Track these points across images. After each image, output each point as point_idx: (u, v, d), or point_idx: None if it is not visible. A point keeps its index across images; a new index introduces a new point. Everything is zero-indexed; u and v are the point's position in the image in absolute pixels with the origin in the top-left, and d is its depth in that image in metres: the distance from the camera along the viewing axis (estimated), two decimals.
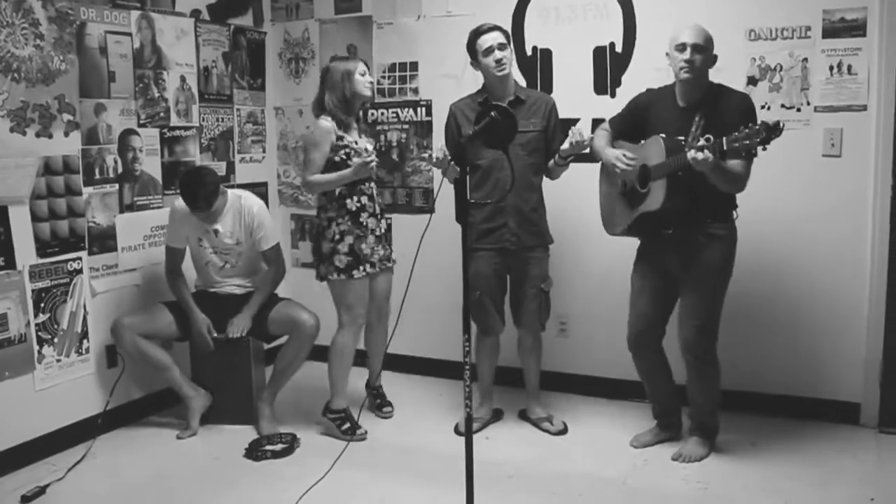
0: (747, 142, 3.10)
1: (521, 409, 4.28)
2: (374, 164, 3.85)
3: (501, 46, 3.79)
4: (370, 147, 3.99)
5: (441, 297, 4.69)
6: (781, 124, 3.05)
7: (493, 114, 2.77)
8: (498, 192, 3.85)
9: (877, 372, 3.99)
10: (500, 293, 4.05)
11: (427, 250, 4.33)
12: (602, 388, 4.53)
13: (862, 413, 4.04)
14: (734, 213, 3.57)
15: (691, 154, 3.20)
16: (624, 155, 3.58)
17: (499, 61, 3.79)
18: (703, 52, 3.42)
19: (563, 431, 4.09)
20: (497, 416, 4.26)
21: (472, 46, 3.87)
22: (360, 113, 4.09)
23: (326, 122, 3.90)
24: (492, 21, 3.90)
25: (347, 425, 4.07)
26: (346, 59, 4.01)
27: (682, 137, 3.43)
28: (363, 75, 3.95)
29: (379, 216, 4.10)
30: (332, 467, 3.46)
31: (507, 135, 2.79)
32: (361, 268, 3.99)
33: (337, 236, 3.96)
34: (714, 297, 3.58)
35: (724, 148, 3.18)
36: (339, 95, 3.92)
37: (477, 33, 3.84)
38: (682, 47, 3.43)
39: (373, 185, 4.08)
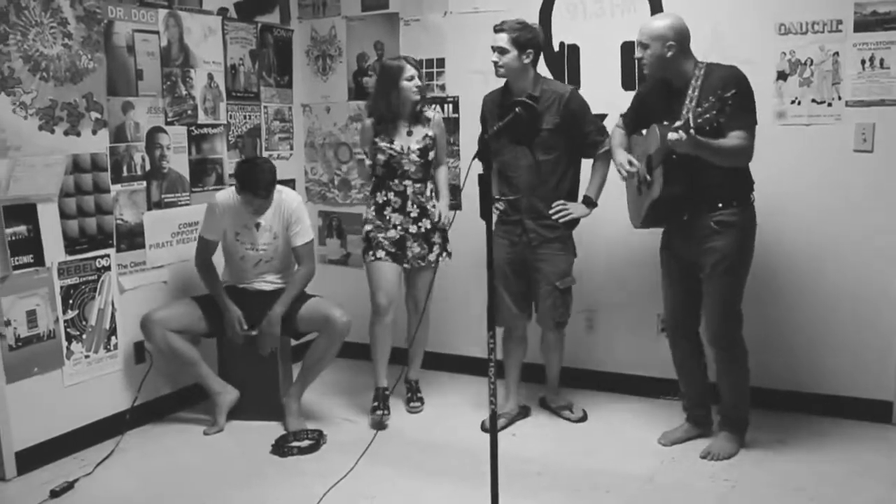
0: (707, 115, 3.12)
1: (541, 395, 4.30)
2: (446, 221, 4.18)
3: (501, 50, 3.75)
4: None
5: (468, 292, 4.68)
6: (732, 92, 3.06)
7: (517, 110, 2.77)
8: (512, 189, 3.87)
9: None
10: (518, 285, 4.02)
11: (459, 246, 4.36)
12: (630, 385, 4.50)
13: (895, 412, 3.98)
14: (751, 196, 3.53)
15: (668, 136, 3.21)
16: (629, 162, 3.59)
17: (494, 64, 3.80)
18: (647, 47, 3.43)
19: (584, 419, 4.13)
20: (525, 412, 4.24)
21: None
22: (416, 112, 4.16)
23: (366, 121, 4.22)
24: (517, 17, 3.86)
25: (376, 403, 4.19)
26: (395, 66, 4.08)
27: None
28: (410, 80, 4.04)
29: (413, 215, 4.15)
30: (357, 463, 3.46)
31: (531, 129, 2.79)
32: (372, 252, 4.17)
33: (365, 224, 4.24)
34: (731, 286, 3.54)
35: (691, 125, 3.16)
36: (385, 100, 4.09)
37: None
38: None
39: (409, 183, 4.14)
